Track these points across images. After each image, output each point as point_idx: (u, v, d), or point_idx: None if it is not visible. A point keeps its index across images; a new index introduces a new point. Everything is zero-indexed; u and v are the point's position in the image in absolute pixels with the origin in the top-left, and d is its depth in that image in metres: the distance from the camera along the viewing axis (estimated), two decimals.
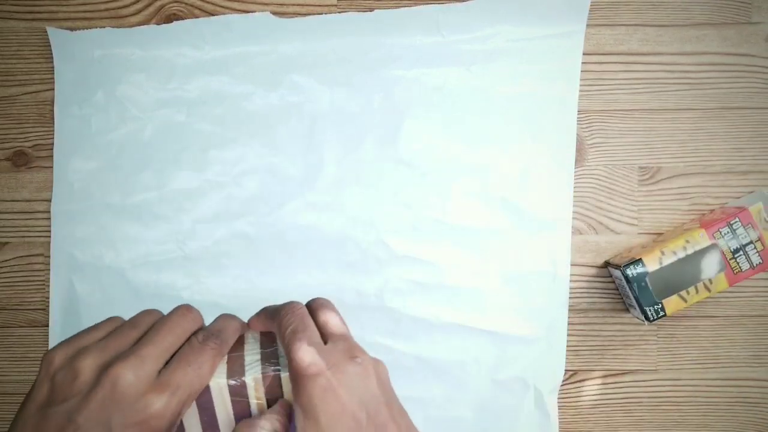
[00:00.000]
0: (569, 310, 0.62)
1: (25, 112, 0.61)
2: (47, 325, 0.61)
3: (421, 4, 0.60)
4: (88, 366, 0.27)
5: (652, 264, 0.56)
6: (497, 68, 0.60)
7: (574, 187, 0.61)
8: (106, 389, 0.26)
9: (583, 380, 0.63)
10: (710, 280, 0.56)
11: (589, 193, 0.62)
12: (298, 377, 0.29)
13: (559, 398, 0.62)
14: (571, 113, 0.61)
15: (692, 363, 0.62)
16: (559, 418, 0.62)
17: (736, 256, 0.56)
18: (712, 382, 0.63)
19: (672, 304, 0.56)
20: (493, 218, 0.60)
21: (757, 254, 0.56)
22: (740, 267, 0.56)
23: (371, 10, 0.60)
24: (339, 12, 0.60)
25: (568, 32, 0.60)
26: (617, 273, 0.58)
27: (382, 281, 0.60)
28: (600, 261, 0.62)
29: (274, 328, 0.34)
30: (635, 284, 0.56)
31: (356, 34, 0.60)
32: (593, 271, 0.62)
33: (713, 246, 0.56)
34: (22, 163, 0.61)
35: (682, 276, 0.57)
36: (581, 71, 0.61)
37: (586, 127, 0.62)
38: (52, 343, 0.61)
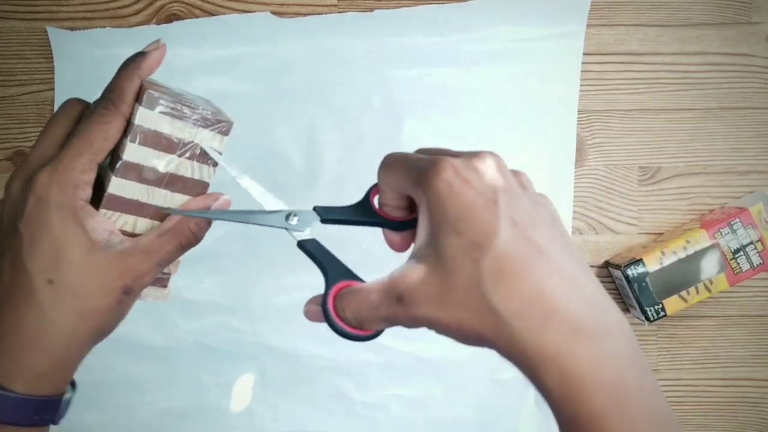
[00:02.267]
0: None
1: (25, 112, 0.61)
2: None
3: (421, 4, 0.60)
4: (16, 185, 0.32)
5: (652, 264, 0.56)
6: (497, 68, 0.60)
7: (574, 187, 0.61)
8: (33, 196, 0.31)
9: None
10: (710, 281, 0.56)
11: (589, 193, 0.62)
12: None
13: None
14: (571, 113, 0.61)
15: (692, 363, 0.62)
16: None
17: (736, 256, 0.56)
18: (712, 382, 0.63)
19: (672, 304, 0.56)
20: None
21: (758, 254, 0.56)
22: (740, 267, 0.56)
23: (371, 10, 0.60)
24: (339, 12, 0.60)
25: (568, 32, 0.60)
26: (617, 273, 0.58)
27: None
28: (600, 261, 0.62)
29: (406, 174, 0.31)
30: (635, 284, 0.56)
31: (356, 35, 0.60)
32: (593, 270, 0.62)
33: (714, 246, 0.56)
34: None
35: (682, 276, 0.57)
36: (581, 71, 0.61)
37: (586, 127, 0.62)
38: None
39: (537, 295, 0.26)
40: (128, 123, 0.32)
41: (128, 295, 0.33)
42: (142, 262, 0.32)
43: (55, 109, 0.60)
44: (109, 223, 0.32)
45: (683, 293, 0.56)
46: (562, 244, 0.28)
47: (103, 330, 0.33)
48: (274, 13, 0.60)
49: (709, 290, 0.56)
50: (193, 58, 0.60)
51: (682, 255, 0.56)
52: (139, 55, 0.33)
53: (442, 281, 0.27)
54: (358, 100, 0.60)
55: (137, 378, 0.61)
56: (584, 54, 0.61)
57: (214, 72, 0.60)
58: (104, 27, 0.60)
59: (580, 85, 0.61)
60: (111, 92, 0.33)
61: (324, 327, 0.31)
